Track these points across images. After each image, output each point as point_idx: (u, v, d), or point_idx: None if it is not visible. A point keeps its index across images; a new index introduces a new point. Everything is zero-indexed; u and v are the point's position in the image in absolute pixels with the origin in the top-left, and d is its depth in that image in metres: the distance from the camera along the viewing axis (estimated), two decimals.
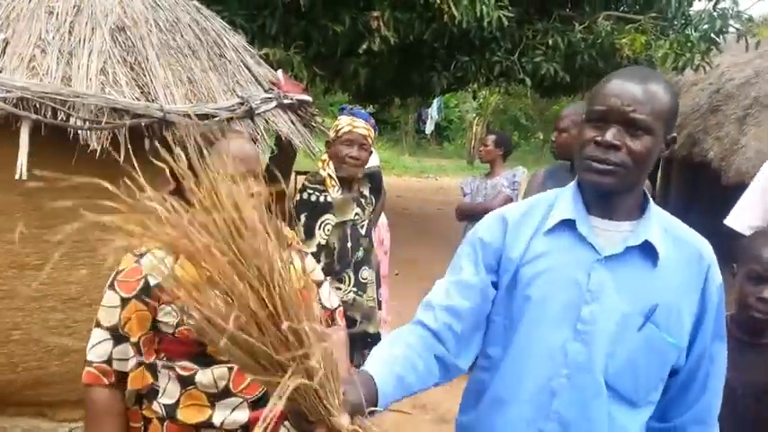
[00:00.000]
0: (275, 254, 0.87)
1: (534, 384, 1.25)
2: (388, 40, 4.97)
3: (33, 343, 2.68)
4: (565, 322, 1.23)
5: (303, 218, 2.56)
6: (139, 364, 1.38)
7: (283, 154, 3.82)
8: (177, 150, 0.91)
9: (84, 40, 2.68)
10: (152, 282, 1.35)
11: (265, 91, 3.20)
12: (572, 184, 1.32)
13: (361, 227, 2.68)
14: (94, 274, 2.63)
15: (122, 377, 1.39)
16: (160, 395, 1.40)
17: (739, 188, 2.39)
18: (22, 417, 2.86)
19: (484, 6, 4.89)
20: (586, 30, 5.80)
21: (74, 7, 2.79)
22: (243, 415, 1.41)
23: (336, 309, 1.69)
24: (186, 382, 1.38)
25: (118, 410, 1.40)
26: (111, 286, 1.39)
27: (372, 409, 1.05)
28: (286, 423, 1.35)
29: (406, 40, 5.27)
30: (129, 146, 2.53)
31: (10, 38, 2.57)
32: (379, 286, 2.96)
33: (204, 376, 1.37)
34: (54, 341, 2.67)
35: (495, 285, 1.32)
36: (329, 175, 2.61)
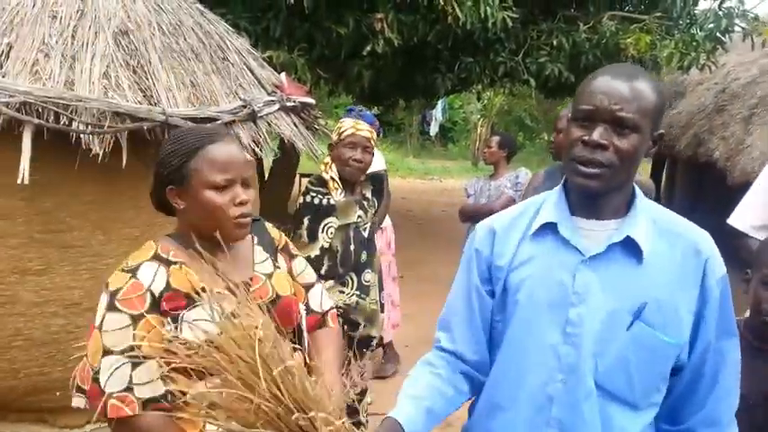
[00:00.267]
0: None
1: (531, 390, 1.24)
2: (391, 42, 4.96)
3: (35, 349, 2.68)
4: (554, 325, 1.22)
5: (306, 221, 2.55)
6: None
7: (286, 157, 3.82)
8: None
9: (87, 44, 2.69)
10: (156, 292, 1.29)
11: (268, 94, 3.20)
12: (559, 185, 1.31)
13: (364, 229, 2.67)
14: (97, 279, 2.63)
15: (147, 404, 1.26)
16: None
17: (745, 188, 2.37)
18: (24, 423, 2.86)
19: (488, 7, 4.88)
20: (591, 30, 5.78)
21: (77, 11, 2.80)
22: None
23: (329, 311, 1.66)
24: None
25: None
26: (113, 308, 1.26)
27: None
28: None
29: (409, 42, 5.27)
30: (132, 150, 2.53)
31: (13, 42, 2.58)
32: (381, 289, 2.95)
33: None
34: (56, 347, 2.66)
35: (492, 294, 1.33)
36: (332, 178, 2.60)
